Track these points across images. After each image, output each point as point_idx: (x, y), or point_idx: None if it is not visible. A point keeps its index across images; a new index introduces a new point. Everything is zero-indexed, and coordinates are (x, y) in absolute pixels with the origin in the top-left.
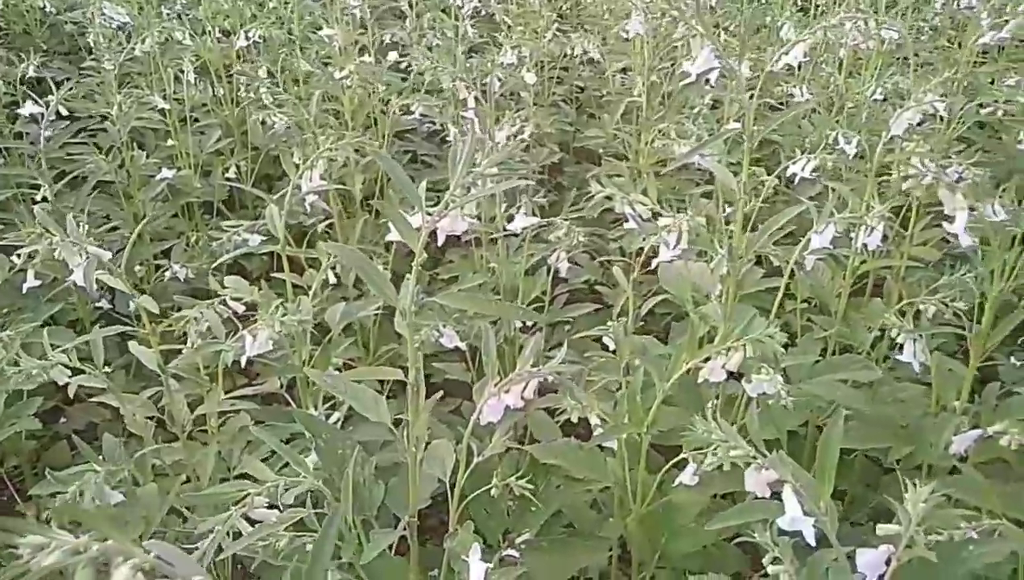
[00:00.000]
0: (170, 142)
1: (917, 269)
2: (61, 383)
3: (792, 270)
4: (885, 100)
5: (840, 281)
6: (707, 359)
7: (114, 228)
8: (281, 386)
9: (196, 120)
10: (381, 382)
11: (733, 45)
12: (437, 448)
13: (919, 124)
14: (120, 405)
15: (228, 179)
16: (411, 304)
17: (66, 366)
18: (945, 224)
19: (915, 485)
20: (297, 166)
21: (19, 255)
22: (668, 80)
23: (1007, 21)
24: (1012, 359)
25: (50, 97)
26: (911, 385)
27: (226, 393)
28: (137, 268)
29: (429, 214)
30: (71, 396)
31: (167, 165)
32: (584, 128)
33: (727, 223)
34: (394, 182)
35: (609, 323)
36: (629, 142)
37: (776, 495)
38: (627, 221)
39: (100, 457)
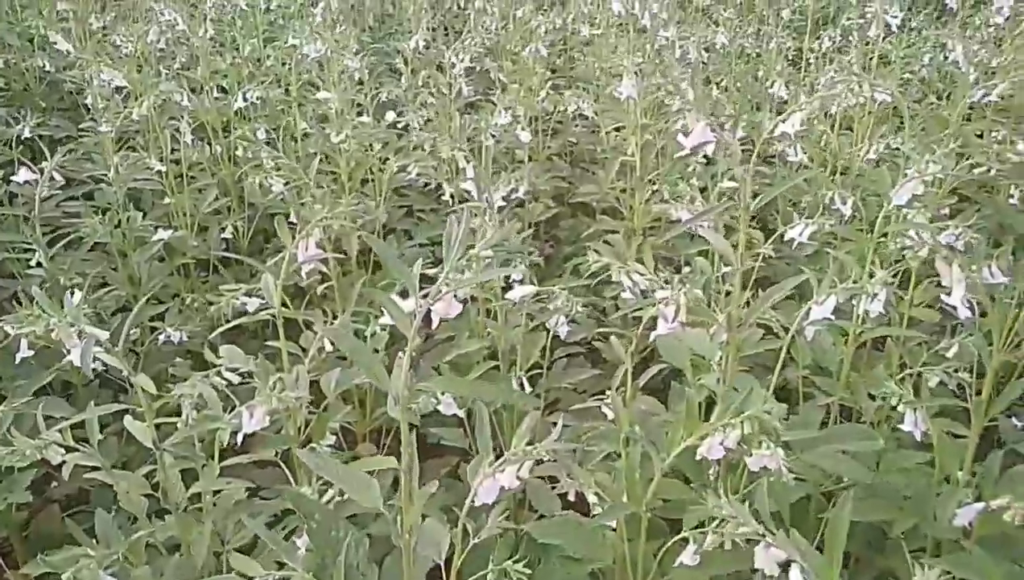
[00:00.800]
0: (167, 201)
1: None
2: (55, 463)
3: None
4: (879, 163)
5: (842, 347)
6: (705, 436)
7: (110, 290)
8: (276, 453)
9: (193, 179)
10: (376, 443)
11: (723, 102)
12: (431, 530)
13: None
14: (113, 483)
15: (225, 239)
16: (404, 389)
17: (60, 445)
18: (943, 296)
19: (922, 565)
20: (292, 230)
21: (13, 327)
22: (661, 136)
23: (994, 84)
24: (1014, 420)
25: (44, 164)
26: (915, 452)
27: (219, 458)
28: (132, 330)
29: (423, 298)
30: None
31: (163, 225)
32: (578, 181)
33: (723, 280)
34: (388, 265)
35: (608, 392)
36: (623, 200)
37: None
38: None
39: (90, 528)
